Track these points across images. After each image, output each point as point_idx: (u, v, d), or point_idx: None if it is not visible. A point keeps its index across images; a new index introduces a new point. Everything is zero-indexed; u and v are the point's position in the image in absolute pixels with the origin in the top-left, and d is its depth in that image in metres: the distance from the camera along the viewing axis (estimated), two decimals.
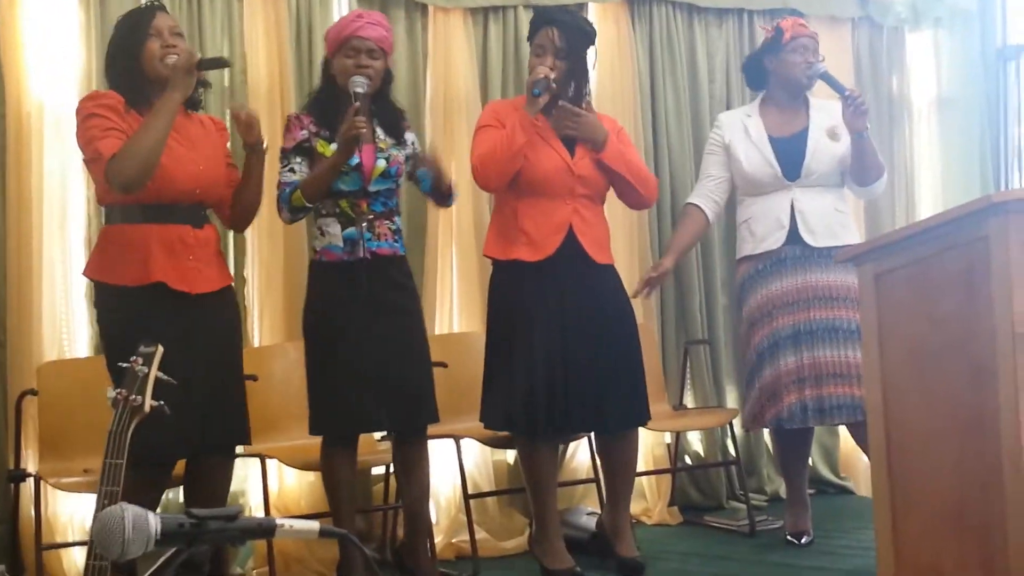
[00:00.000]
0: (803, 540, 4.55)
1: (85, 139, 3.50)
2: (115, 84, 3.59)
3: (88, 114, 3.51)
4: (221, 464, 3.70)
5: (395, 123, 3.98)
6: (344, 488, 3.90)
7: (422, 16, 4.92)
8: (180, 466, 3.67)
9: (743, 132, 4.57)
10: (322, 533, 1.66)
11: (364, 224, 3.83)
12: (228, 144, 3.84)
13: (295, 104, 4.59)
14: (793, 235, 4.44)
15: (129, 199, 3.47)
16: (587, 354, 4.03)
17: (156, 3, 3.68)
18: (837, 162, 4.51)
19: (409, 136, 4.03)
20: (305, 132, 3.83)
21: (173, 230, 3.53)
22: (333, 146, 3.78)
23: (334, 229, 3.83)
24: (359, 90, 3.74)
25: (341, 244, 3.82)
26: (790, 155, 4.49)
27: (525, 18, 5.03)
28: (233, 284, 3.83)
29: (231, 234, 4.38)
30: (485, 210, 4.89)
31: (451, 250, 4.95)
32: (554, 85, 3.99)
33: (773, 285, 4.45)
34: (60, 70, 4.27)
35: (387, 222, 3.90)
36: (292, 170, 3.82)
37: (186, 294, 3.52)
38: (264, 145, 3.70)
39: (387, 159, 3.88)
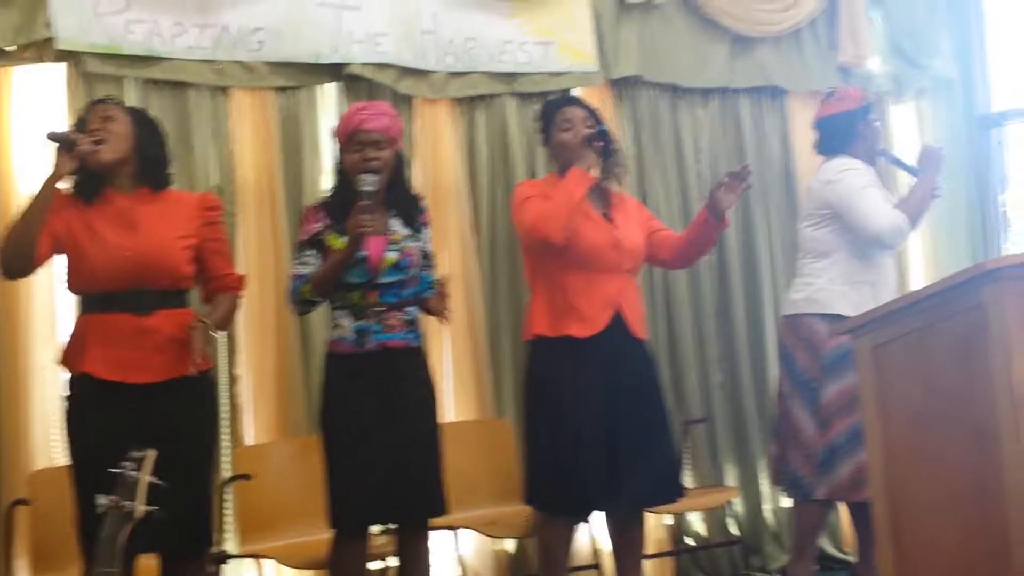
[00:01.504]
0: None
1: None
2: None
3: None
4: (194, 568, 3.55)
5: (411, 211, 3.95)
6: None
7: (408, 108, 4.94)
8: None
9: (876, 182, 4.55)
10: None
11: (373, 317, 3.80)
12: (214, 226, 3.67)
13: (283, 201, 4.61)
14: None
15: (78, 290, 3.47)
16: (631, 430, 4.01)
17: (97, 99, 3.66)
18: None
19: (425, 233, 3.98)
20: (319, 225, 3.82)
21: (106, 319, 3.42)
22: (344, 239, 3.76)
23: (345, 321, 3.80)
24: (367, 188, 3.72)
25: (352, 336, 3.80)
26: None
27: (511, 106, 5.08)
28: (193, 375, 3.46)
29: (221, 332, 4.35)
30: (477, 296, 4.88)
31: (443, 338, 4.92)
32: (600, 139, 4.03)
33: None
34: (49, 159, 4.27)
35: (399, 313, 3.84)
36: (304, 263, 3.80)
37: (120, 384, 3.38)
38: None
39: (400, 251, 3.85)
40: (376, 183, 3.76)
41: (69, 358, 3.47)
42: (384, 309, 3.82)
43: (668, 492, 4.15)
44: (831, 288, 4.51)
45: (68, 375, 3.50)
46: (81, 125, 3.51)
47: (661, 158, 5.46)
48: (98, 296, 3.45)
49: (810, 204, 4.64)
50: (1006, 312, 2.63)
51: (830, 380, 4.40)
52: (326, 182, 4.71)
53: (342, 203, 3.80)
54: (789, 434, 4.57)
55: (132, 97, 4.34)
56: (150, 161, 3.58)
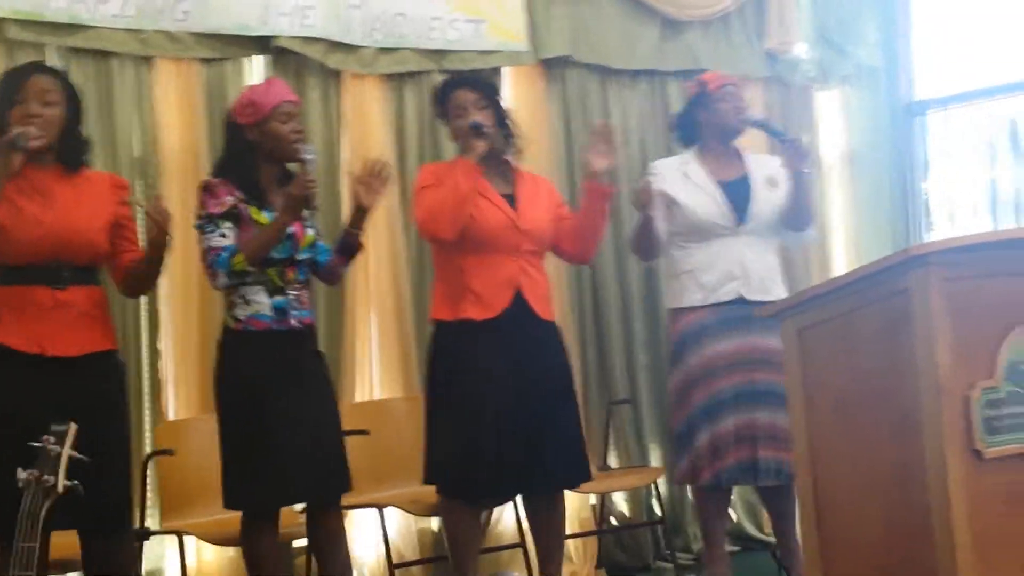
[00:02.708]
0: None
1: None
2: None
3: None
4: (112, 545, 3.50)
5: (310, 195, 3.93)
6: (267, 563, 3.78)
7: (336, 82, 4.90)
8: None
9: (682, 177, 4.49)
10: None
11: (292, 294, 3.77)
12: (126, 204, 3.68)
13: (208, 174, 4.53)
14: (745, 287, 4.40)
15: None
16: (535, 413, 3.99)
17: (38, 64, 3.59)
18: (776, 211, 4.52)
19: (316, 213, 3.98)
20: (232, 198, 3.77)
21: (23, 291, 3.38)
22: (265, 213, 3.74)
23: (261, 297, 3.75)
24: (309, 156, 3.72)
25: (269, 313, 3.75)
26: (735, 200, 4.47)
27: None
28: (110, 350, 3.57)
29: (143, 306, 4.30)
30: (404, 274, 4.87)
31: (369, 315, 4.91)
32: (488, 131, 4.00)
33: (721, 344, 4.35)
34: None
35: (306, 291, 3.86)
36: (224, 235, 3.72)
37: (40, 357, 3.35)
38: (170, 236, 3.55)
39: (314, 229, 3.86)
40: (315, 153, 3.77)
41: None
42: (301, 285, 3.80)
43: (575, 475, 4.15)
44: (667, 284, 4.68)
45: None
46: (12, 95, 3.42)
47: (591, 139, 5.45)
48: (15, 268, 3.38)
49: None
50: (931, 297, 2.65)
51: (672, 370, 4.50)
52: None
53: (252, 177, 3.78)
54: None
55: (54, 64, 4.23)
56: (75, 145, 3.53)
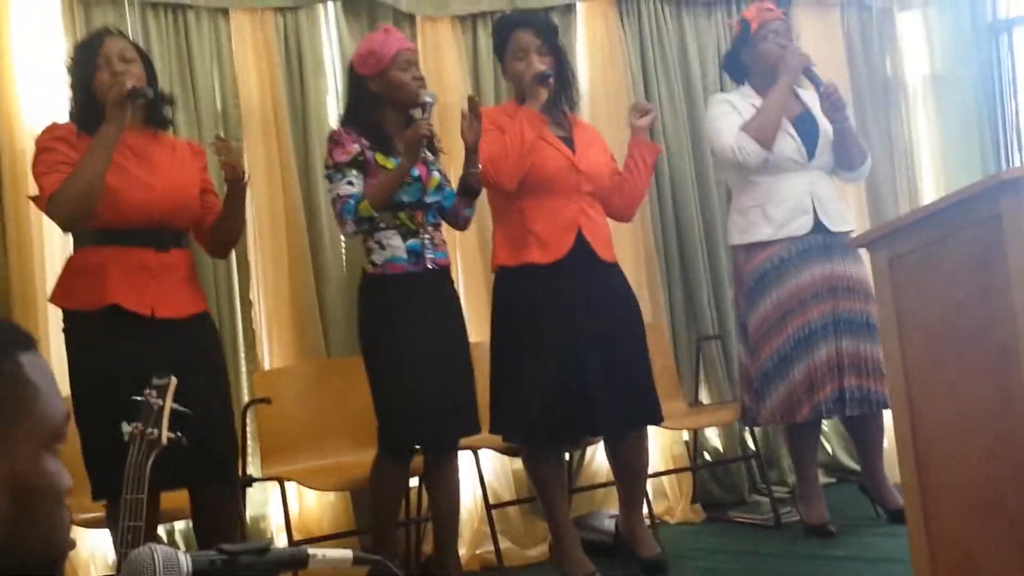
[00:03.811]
0: (830, 529, 4.50)
1: (35, 174, 3.47)
2: (72, 115, 3.55)
3: (41, 148, 3.47)
4: (221, 494, 3.61)
5: (431, 139, 3.95)
6: (393, 503, 3.92)
7: (410, 26, 4.90)
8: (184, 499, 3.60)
9: (751, 110, 4.46)
10: (356, 561, 1.62)
11: (425, 236, 3.85)
12: (206, 170, 3.77)
13: (288, 124, 4.57)
14: (816, 222, 4.39)
15: (89, 225, 3.42)
16: (601, 357, 3.99)
17: (106, 28, 3.64)
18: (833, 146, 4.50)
19: (440, 157, 4.03)
20: (357, 146, 3.82)
21: (132, 253, 3.45)
22: (392, 159, 3.81)
23: (396, 241, 3.83)
24: (429, 99, 3.79)
25: (405, 256, 3.82)
26: (804, 135, 4.44)
27: None
28: (207, 311, 3.69)
29: (233, 258, 4.35)
30: (487, 217, 4.86)
31: (456, 261, 4.92)
32: (552, 76, 4.00)
33: (803, 275, 4.34)
34: (52, 103, 4.23)
35: (438, 232, 3.94)
36: (351, 183, 3.80)
37: (149, 319, 3.43)
38: (246, 181, 3.63)
39: (439, 172, 3.92)
40: (435, 97, 3.84)
41: (84, 294, 3.44)
42: (433, 227, 3.86)
43: (644, 415, 4.14)
44: (731, 220, 4.61)
45: (72, 311, 3.48)
46: (93, 60, 3.48)
47: (667, 73, 5.40)
48: (121, 231, 3.45)
49: None
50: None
51: (751, 308, 4.44)
52: (331, 104, 4.71)
53: (378, 125, 3.85)
54: (737, 366, 4.72)
55: (132, 21, 4.30)
56: (161, 102, 3.58)
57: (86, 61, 3.51)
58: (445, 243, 3.99)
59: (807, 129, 4.46)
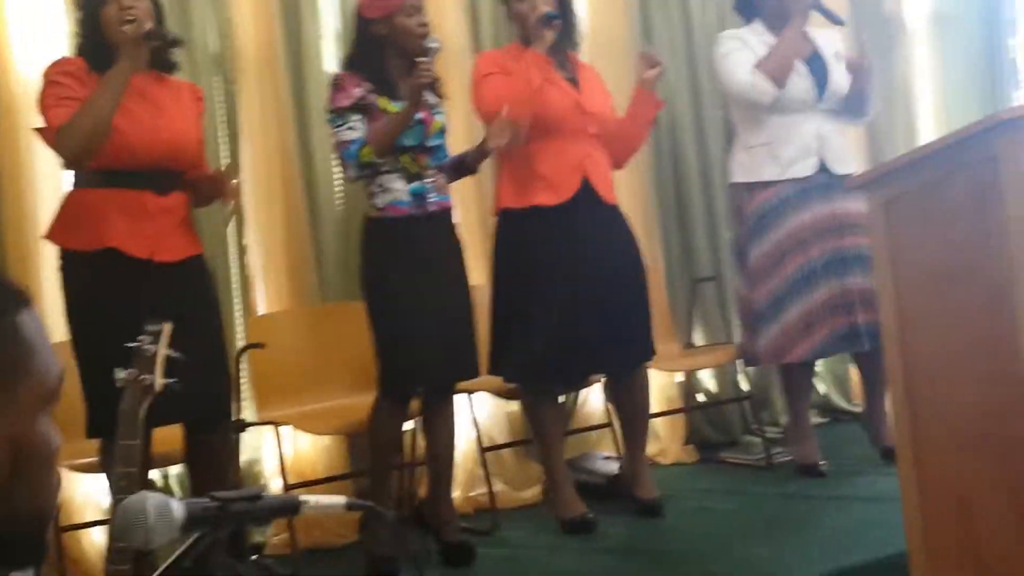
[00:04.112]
0: (821, 469, 4.53)
1: (41, 107, 3.43)
2: (79, 49, 3.53)
3: (48, 81, 3.43)
4: (216, 438, 3.62)
5: (435, 82, 3.95)
6: (391, 447, 3.93)
7: None
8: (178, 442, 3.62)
9: (763, 47, 4.43)
10: (348, 507, 1.63)
11: (428, 179, 3.84)
12: (202, 116, 3.74)
13: (284, 69, 4.53)
14: (821, 163, 4.38)
15: (90, 165, 3.39)
16: (602, 298, 4.03)
17: None
18: (844, 89, 4.47)
19: (443, 103, 4.01)
20: (360, 90, 3.80)
21: (133, 196, 3.42)
22: (395, 103, 3.78)
23: (399, 184, 3.82)
24: (434, 45, 3.76)
25: (407, 199, 3.81)
26: (814, 75, 4.43)
27: None
28: (202, 254, 3.67)
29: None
30: (485, 163, 4.83)
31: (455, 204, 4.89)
32: (557, 18, 3.98)
33: (805, 213, 4.33)
34: (46, 47, 4.19)
35: (440, 176, 3.92)
36: (352, 128, 3.79)
37: (147, 261, 3.42)
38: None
39: (442, 115, 3.91)
40: (440, 43, 3.81)
41: (83, 234, 3.41)
42: (435, 171, 3.86)
43: (639, 355, 4.18)
44: (734, 158, 4.58)
45: (68, 250, 3.46)
46: None
47: (666, 12, 5.36)
48: (123, 172, 3.42)
49: None
50: (1021, 164, 2.59)
51: (752, 245, 4.43)
52: (327, 48, 4.67)
53: (381, 69, 3.82)
54: (736, 303, 4.73)
55: None
56: (167, 43, 3.54)
57: None
58: (448, 186, 3.98)
59: (817, 70, 4.44)
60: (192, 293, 3.53)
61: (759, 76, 4.34)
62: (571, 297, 3.99)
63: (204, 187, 3.63)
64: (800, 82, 4.39)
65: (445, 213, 3.93)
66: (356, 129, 3.78)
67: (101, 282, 3.38)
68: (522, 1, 4.04)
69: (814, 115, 4.41)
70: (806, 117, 4.39)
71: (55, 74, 3.44)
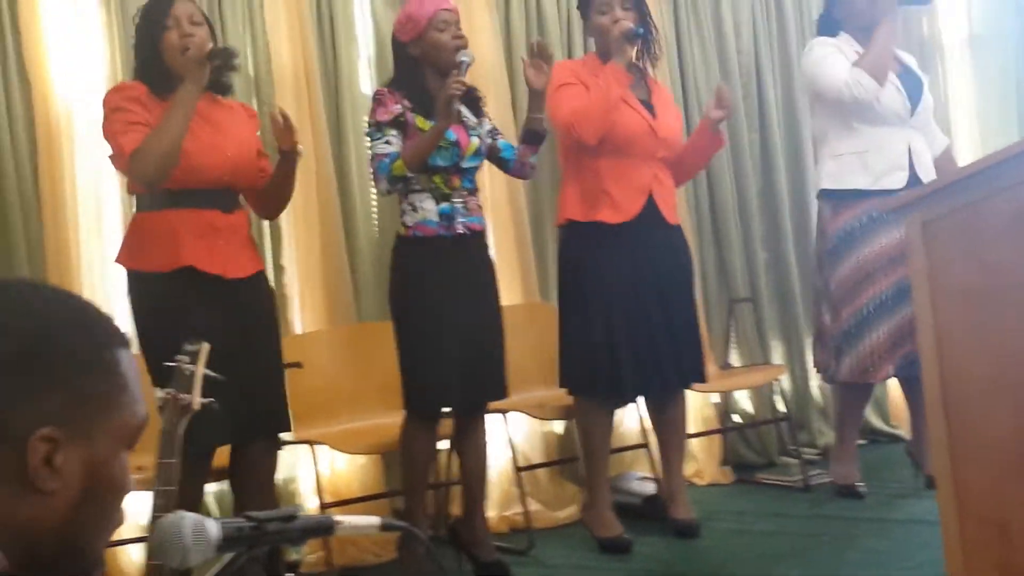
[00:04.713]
0: (860, 490, 4.49)
1: (109, 133, 3.50)
2: (139, 75, 3.59)
3: (113, 107, 3.50)
4: (265, 452, 3.68)
5: (475, 99, 3.99)
6: (422, 466, 3.94)
7: None
8: (224, 457, 3.65)
9: (854, 56, 4.38)
10: (383, 527, 1.63)
11: (458, 200, 3.85)
12: (259, 133, 3.82)
13: (320, 90, 4.56)
14: (912, 177, 4.32)
15: (167, 185, 3.45)
16: (661, 315, 4.08)
17: None
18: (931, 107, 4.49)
19: (487, 123, 4.03)
20: (399, 107, 3.83)
21: (202, 215, 3.51)
22: (431, 122, 3.80)
23: (428, 204, 3.84)
24: (466, 59, 3.77)
25: (436, 219, 3.83)
26: (908, 89, 4.42)
27: None
28: (264, 270, 3.81)
29: (265, 222, 4.36)
30: (517, 182, 4.84)
31: (486, 224, 4.90)
32: (640, 34, 4.03)
33: (895, 232, 4.18)
34: (85, 70, 4.24)
35: (474, 198, 3.94)
36: (388, 142, 3.82)
37: (219, 278, 3.50)
38: (299, 151, 3.67)
39: (478, 136, 3.92)
40: (473, 57, 3.81)
41: (155, 256, 3.48)
42: (468, 192, 3.86)
43: (692, 375, 4.22)
44: (823, 166, 4.53)
45: (141, 272, 3.51)
46: (163, 20, 3.50)
47: (701, 35, 5.36)
48: (192, 192, 3.49)
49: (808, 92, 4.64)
50: None
51: (835, 265, 4.39)
52: (363, 70, 4.70)
53: (420, 88, 3.84)
54: (816, 320, 4.67)
55: None
56: (227, 65, 3.59)
57: (155, 21, 3.54)
58: (481, 208, 3.99)
59: (910, 85, 4.43)
60: (259, 309, 3.64)
61: (859, 72, 4.30)
62: (632, 313, 4.04)
63: (277, 167, 3.66)
64: (895, 94, 4.37)
65: (476, 235, 3.94)
66: (392, 143, 3.80)
67: (178, 300, 3.44)
68: (604, 14, 4.07)
69: (906, 129, 4.38)
70: (898, 130, 4.37)
71: (119, 100, 3.51)
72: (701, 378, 4.25)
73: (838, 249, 4.39)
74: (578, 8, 4.29)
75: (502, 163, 4.06)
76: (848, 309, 4.38)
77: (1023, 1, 6.06)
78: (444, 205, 3.84)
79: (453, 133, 3.80)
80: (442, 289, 3.82)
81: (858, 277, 4.34)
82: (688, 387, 4.28)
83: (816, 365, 4.78)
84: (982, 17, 6.02)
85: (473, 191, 3.94)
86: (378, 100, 3.87)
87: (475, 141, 3.90)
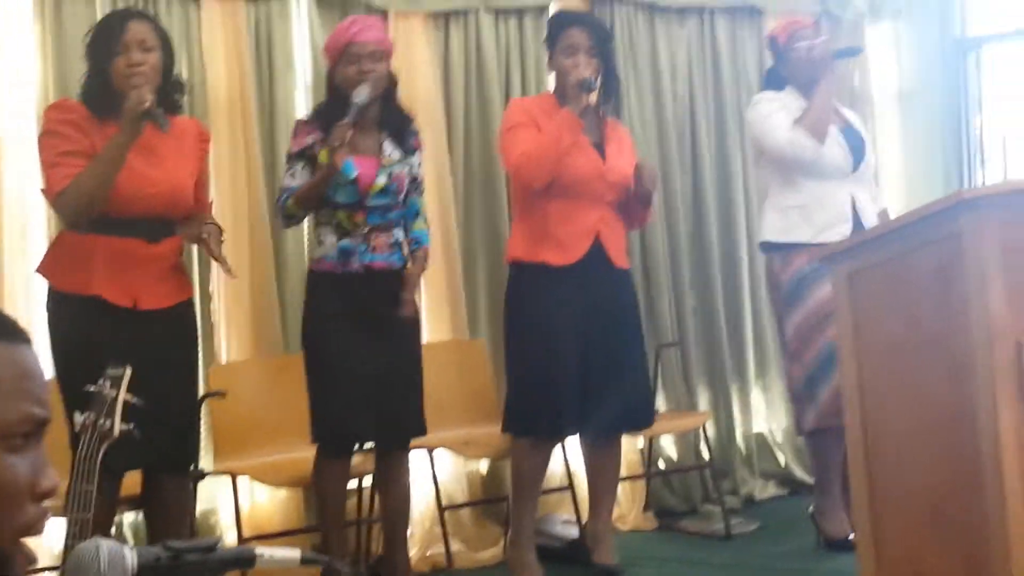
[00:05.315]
0: (852, 541, 4.40)
1: (41, 160, 3.49)
2: (83, 95, 3.54)
3: (48, 130, 3.47)
4: (177, 484, 3.63)
5: (404, 133, 3.95)
6: (336, 501, 3.91)
7: (382, 21, 4.86)
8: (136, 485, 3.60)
9: (799, 111, 4.42)
10: (303, 561, 1.60)
11: (358, 237, 3.81)
12: (206, 157, 3.78)
13: (255, 116, 4.54)
14: (857, 228, 4.32)
15: None
16: (604, 358, 4.08)
17: (130, 10, 3.63)
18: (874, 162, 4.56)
19: (416, 158, 4.00)
20: (310, 139, 3.81)
21: (124, 243, 3.45)
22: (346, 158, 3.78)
23: (329, 239, 3.82)
24: (358, 100, 3.72)
25: (335, 254, 3.80)
26: (850, 144, 4.47)
27: (487, 21, 5.01)
28: (190, 299, 3.73)
29: (196, 250, 4.32)
30: (451, 218, 4.85)
31: None
32: (595, 85, 4.05)
33: None
34: (15, 85, 4.19)
35: (384, 235, 3.87)
36: (292, 175, 3.81)
37: (129, 310, 3.45)
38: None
39: (389, 175, 3.86)
40: (369, 95, 3.76)
41: (70, 277, 3.46)
42: (369, 230, 3.81)
43: (640, 418, 4.25)
44: (766, 218, 4.56)
45: (56, 289, 3.50)
46: (112, 45, 3.45)
47: (638, 78, 5.40)
48: (113, 220, 3.44)
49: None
50: (983, 242, 2.62)
51: (791, 311, 4.39)
52: (300, 97, 4.69)
53: (335, 119, 3.77)
54: (786, 379, 4.66)
55: (102, 6, 4.24)
56: (172, 91, 3.58)
57: (106, 44, 3.49)
58: (398, 245, 3.93)
59: (853, 140, 4.49)
60: (174, 341, 3.57)
61: (800, 132, 4.35)
62: (574, 354, 4.04)
63: (189, 232, 3.64)
64: (837, 150, 4.42)
65: (382, 273, 3.85)
66: (296, 176, 3.81)
67: (84, 326, 3.41)
68: (567, 57, 4.07)
69: (848, 183, 4.43)
70: (841, 184, 4.41)
71: (55, 123, 3.47)
72: (649, 421, 4.26)
73: (794, 294, 4.38)
74: (544, 42, 4.29)
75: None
76: (809, 353, 4.34)
77: (951, 57, 6.20)
78: (345, 241, 3.81)
79: (354, 169, 3.77)
80: (342, 324, 3.79)
81: (814, 320, 4.31)
82: (638, 430, 4.31)
83: (796, 427, 4.67)
84: (912, 72, 6.13)
85: (384, 227, 3.88)
86: (294, 130, 3.89)
87: (381, 180, 3.83)
